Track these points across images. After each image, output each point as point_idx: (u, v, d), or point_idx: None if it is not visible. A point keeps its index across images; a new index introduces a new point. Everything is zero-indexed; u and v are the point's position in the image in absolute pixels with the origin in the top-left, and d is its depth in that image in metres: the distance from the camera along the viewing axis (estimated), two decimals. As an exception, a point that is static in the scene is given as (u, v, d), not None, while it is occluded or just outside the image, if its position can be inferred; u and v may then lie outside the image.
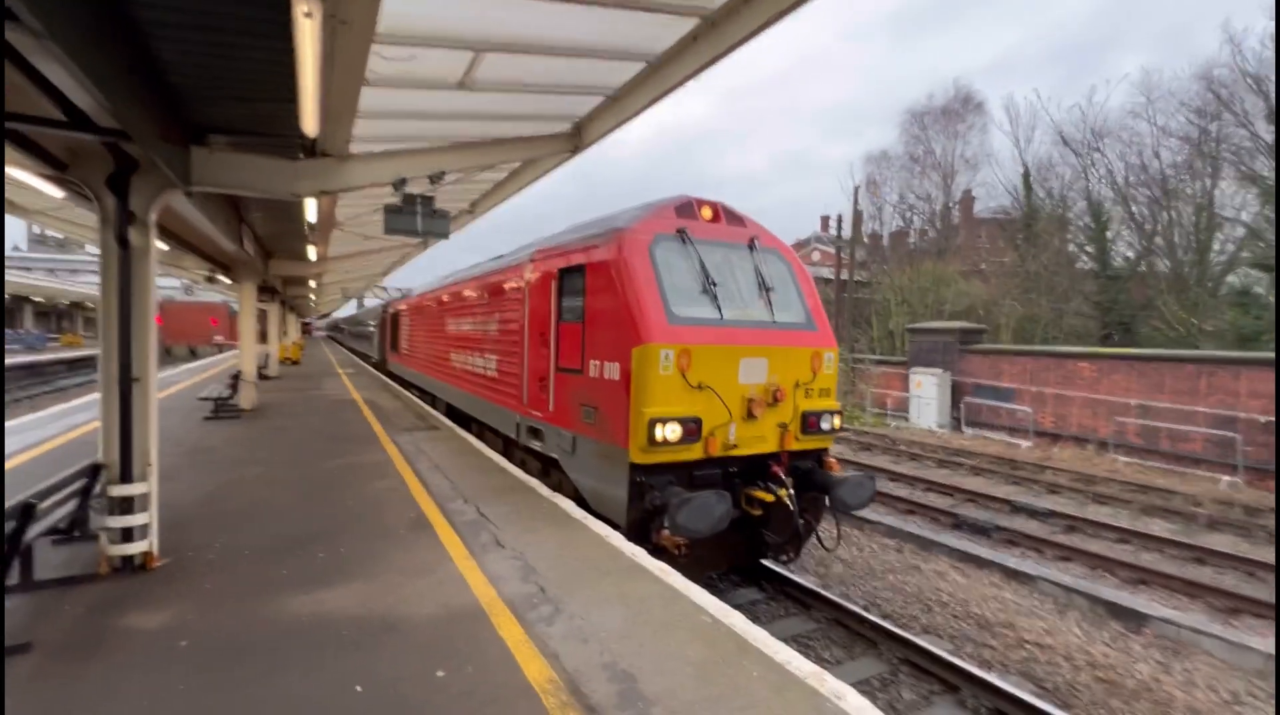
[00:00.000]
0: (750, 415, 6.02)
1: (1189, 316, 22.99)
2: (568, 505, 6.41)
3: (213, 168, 5.16)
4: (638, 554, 5.08)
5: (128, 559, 4.62)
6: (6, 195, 7.22)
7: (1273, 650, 6.19)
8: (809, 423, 6.41)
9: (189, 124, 4.93)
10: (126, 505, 4.56)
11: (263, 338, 26.47)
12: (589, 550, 5.16)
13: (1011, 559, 8.75)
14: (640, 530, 5.74)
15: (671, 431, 5.54)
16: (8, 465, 7.57)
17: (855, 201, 30.63)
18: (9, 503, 3.74)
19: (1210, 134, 25.57)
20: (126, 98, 3.52)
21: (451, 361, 12.21)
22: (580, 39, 4.88)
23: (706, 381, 5.77)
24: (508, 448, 9.21)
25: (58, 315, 62.26)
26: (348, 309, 54.32)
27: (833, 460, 6.81)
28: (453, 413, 12.79)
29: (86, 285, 54.21)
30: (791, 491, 6.01)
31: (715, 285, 6.25)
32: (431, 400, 15.02)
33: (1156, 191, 27.51)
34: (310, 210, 8.02)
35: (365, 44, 3.65)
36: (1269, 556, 9.31)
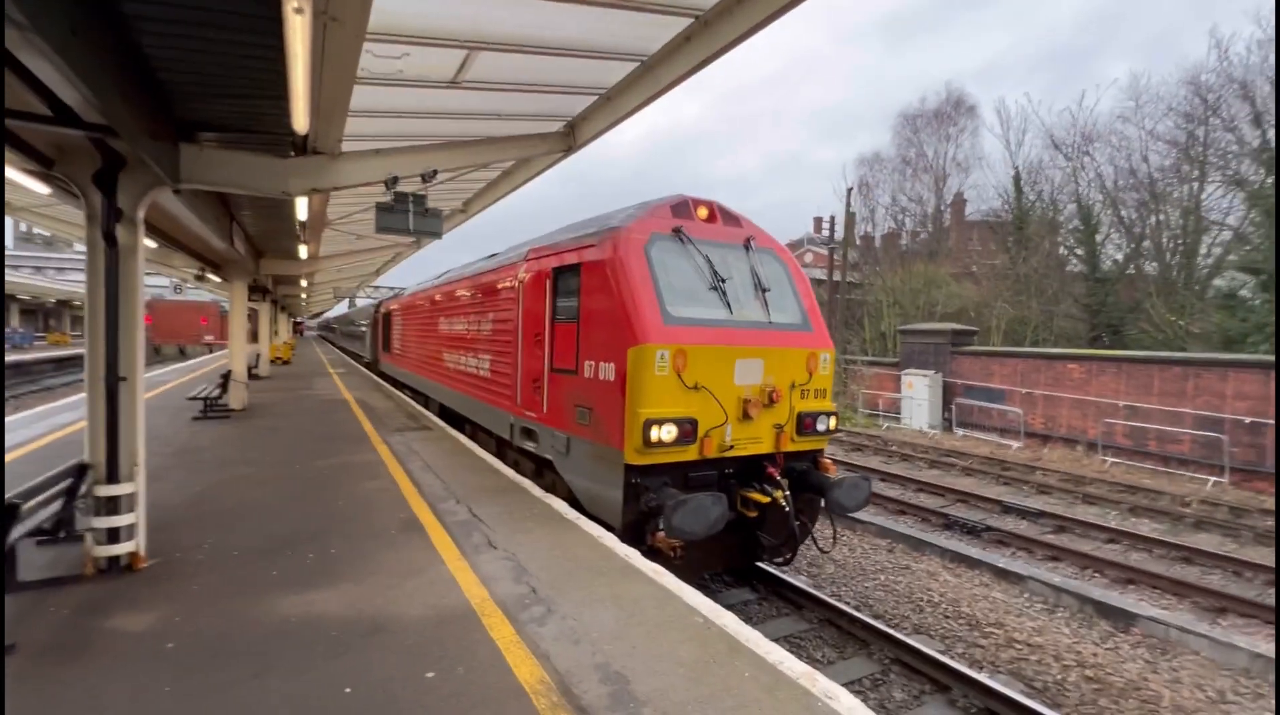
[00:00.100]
0: (746, 416, 6.00)
1: (1177, 319, 23.22)
2: (560, 506, 6.39)
3: (202, 165, 5.12)
4: (630, 555, 5.07)
5: (114, 560, 4.56)
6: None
7: (1273, 652, 6.26)
8: (805, 424, 6.40)
9: (178, 120, 4.88)
10: (113, 505, 4.50)
11: (253, 337, 26.29)
12: (581, 551, 5.14)
13: (1001, 559, 8.80)
14: (635, 532, 5.70)
15: (667, 432, 5.50)
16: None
17: (848, 203, 30.76)
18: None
19: (1197, 138, 25.87)
20: (114, 93, 3.48)
21: (444, 362, 12.15)
22: (573, 37, 4.87)
23: (702, 382, 5.74)
24: (501, 449, 9.17)
25: (44, 313, 61.55)
26: (340, 308, 53.99)
27: (828, 461, 6.80)
28: (445, 413, 12.73)
29: (74, 283, 53.65)
30: (787, 493, 5.99)
31: (712, 286, 6.23)
32: (424, 401, 14.95)
33: (1145, 195, 27.80)
34: (301, 209, 7.96)
35: (357, 41, 3.62)
36: (1255, 556, 9.42)
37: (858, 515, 9.89)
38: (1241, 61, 24.29)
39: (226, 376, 13.20)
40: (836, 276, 30.86)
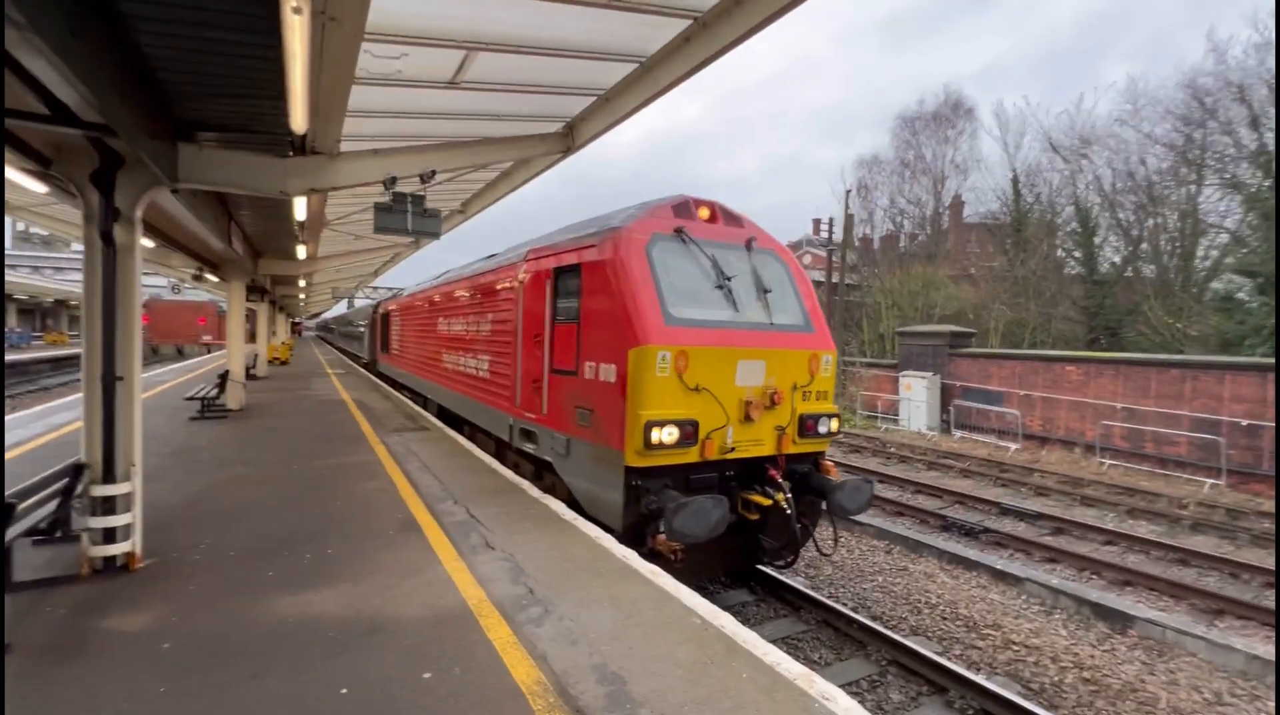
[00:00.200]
0: (747, 418, 5.96)
1: (1174, 321, 23.27)
2: (558, 506, 6.39)
3: (200, 165, 5.11)
4: (628, 555, 5.07)
5: (110, 560, 4.55)
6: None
7: (1270, 654, 6.27)
8: (806, 426, 6.36)
9: (176, 120, 4.88)
10: (109, 506, 4.49)
11: (251, 337, 26.28)
12: (579, 552, 5.14)
13: (999, 560, 8.81)
14: (635, 535, 5.66)
15: (668, 434, 5.46)
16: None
17: (846, 205, 30.80)
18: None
19: (1195, 142, 25.93)
20: (112, 93, 3.48)
21: (443, 362, 12.14)
22: (572, 38, 4.88)
23: (704, 384, 5.71)
24: (500, 450, 9.15)
25: (42, 313, 61.43)
26: (338, 309, 53.94)
27: (830, 464, 6.75)
28: (444, 414, 12.72)
29: (71, 283, 53.54)
30: (789, 495, 5.96)
31: (714, 287, 6.19)
32: (423, 402, 14.94)
33: (1143, 198, 27.88)
34: (299, 209, 7.96)
35: (355, 41, 3.62)
36: (1252, 558, 9.44)
37: (856, 517, 9.90)
38: (1239, 65, 24.41)
39: (224, 376, 13.19)
40: (835, 278, 30.90)
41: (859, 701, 3.35)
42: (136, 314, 4.69)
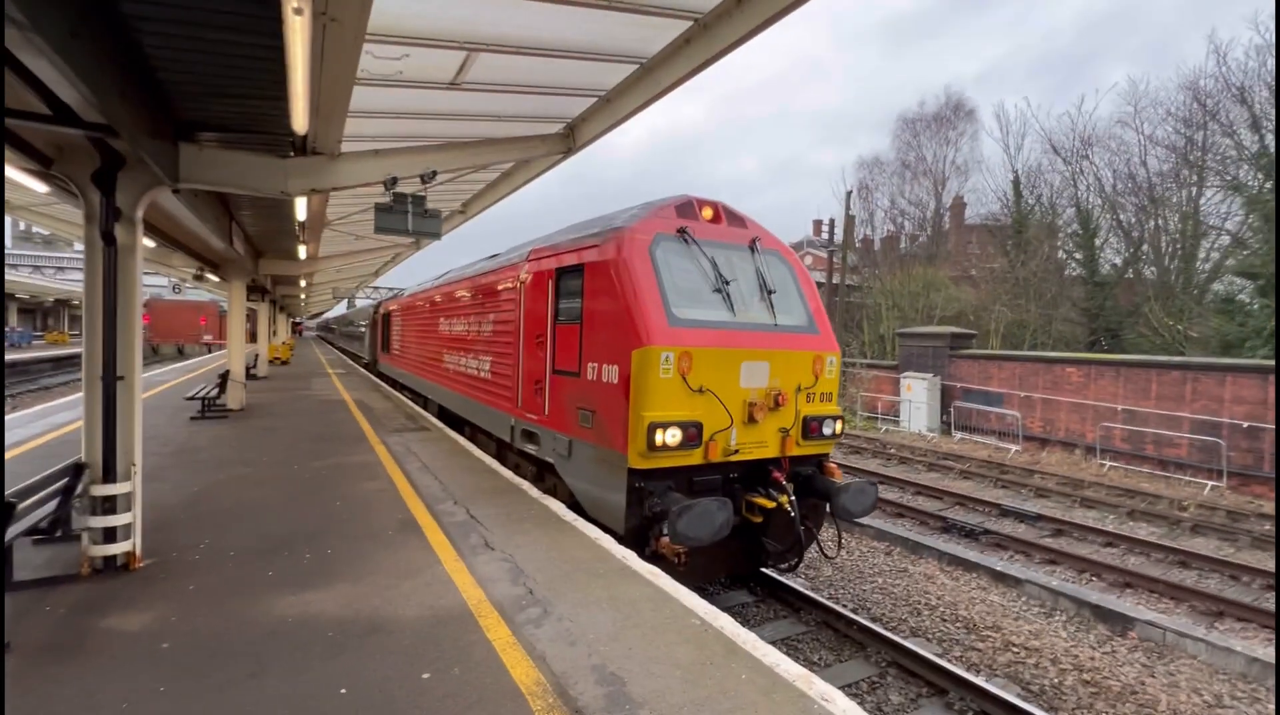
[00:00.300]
0: (751, 420, 5.92)
1: (1175, 323, 23.25)
2: (558, 507, 6.38)
3: (201, 165, 5.12)
4: (628, 556, 5.06)
5: (110, 560, 4.56)
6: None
7: (1270, 656, 6.26)
8: (810, 428, 6.32)
9: (178, 120, 4.89)
10: (109, 505, 4.50)
11: (252, 337, 26.29)
12: (579, 552, 5.14)
13: (999, 562, 8.80)
14: (638, 537, 5.63)
15: (672, 436, 5.42)
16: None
17: (847, 206, 30.80)
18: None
19: (1196, 143, 25.93)
20: (113, 93, 3.49)
21: (444, 363, 12.13)
22: (573, 40, 4.88)
23: (707, 385, 5.67)
24: (501, 451, 9.14)
25: (43, 312, 61.49)
26: (339, 309, 53.98)
27: (833, 466, 6.72)
28: (444, 415, 12.72)
29: (72, 283, 53.60)
30: (793, 498, 5.92)
31: (717, 287, 6.16)
32: (423, 402, 14.94)
33: (1144, 199, 27.86)
34: (300, 209, 7.97)
35: (356, 42, 3.63)
36: (1252, 560, 9.43)
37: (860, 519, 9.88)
38: (1240, 67, 24.40)
39: (225, 376, 13.20)
40: (836, 279, 30.89)
41: (858, 703, 3.35)
42: (137, 313, 4.70)
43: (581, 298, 6.42)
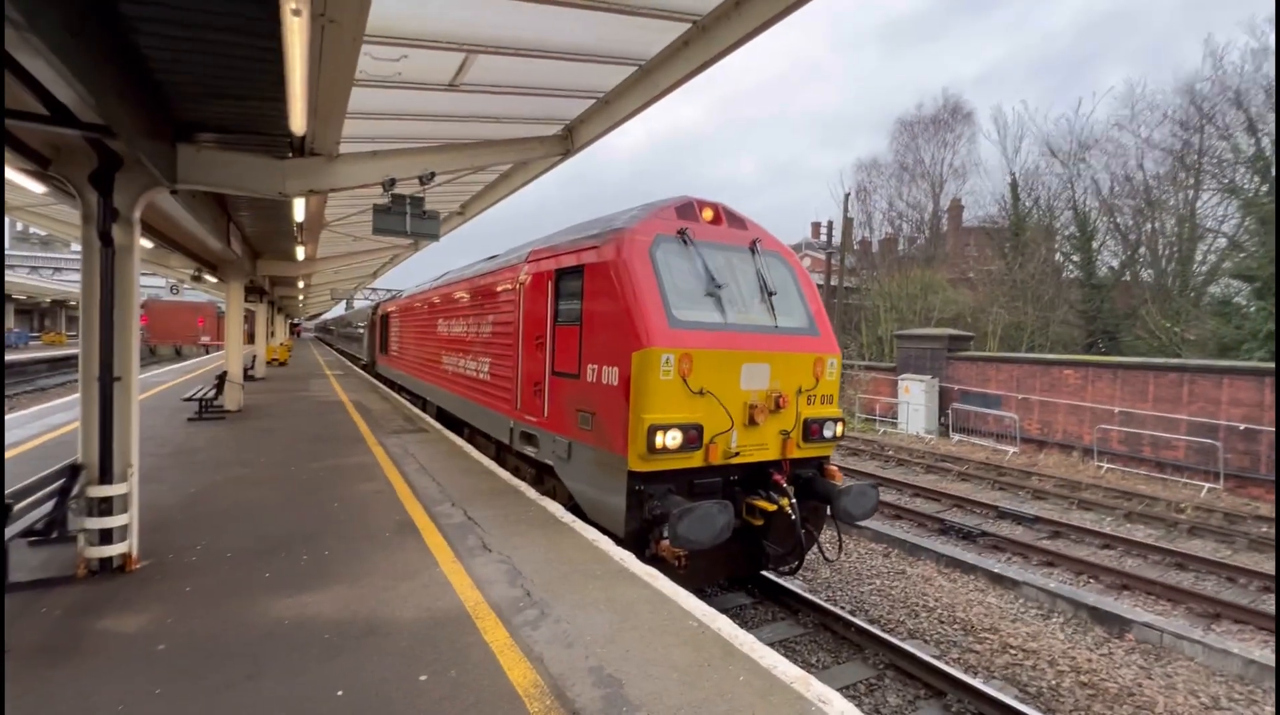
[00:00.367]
0: (752, 422, 5.88)
1: (1172, 325, 23.32)
2: (556, 509, 6.37)
3: (199, 166, 5.11)
4: (626, 558, 5.06)
5: (106, 561, 4.54)
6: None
7: (1267, 658, 6.27)
8: (811, 430, 6.29)
9: (176, 121, 4.88)
10: (106, 506, 4.48)
11: (250, 338, 26.25)
12: (577, 554, 5.13)
13: (997, 564, 8.81)
14: (638, 541, 5.60)
15: (672, 438, 5.39)
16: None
17: (845, 208, 30.88)
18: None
19: (1192, 146, 26.04)
20: (111, 93, 3.48)
21: (443, 364, 12.12)
22: (571, 42, 4.89)
23: (708, 387, 5.64)
24: (500, 453, 9.12)
25: (40, 313, 61.33)
26: (337, 310, 53.92)
27: (834, 468, 6.69)
28: (443, 417, 12.71)
29: (69, 283, 53.45)
30: (794, 501, 5.89)
31: (718, 288, 6.13)
32: (422, 404, 14.93)
33: (1141, 202, 27.97)
34: (298, 210, 7.97)
35: (355, 43, 3.63)
36: (1249, 562, 9.45)
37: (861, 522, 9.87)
38: (1236, 70, 24.52)
39: (222, 377, 13.18)
40: (834, 281, 30.94)
41: (856, 705, 3.35)
42: (134, 314, 4.69)
43: (581, 299, 6.39)
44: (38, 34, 2.58)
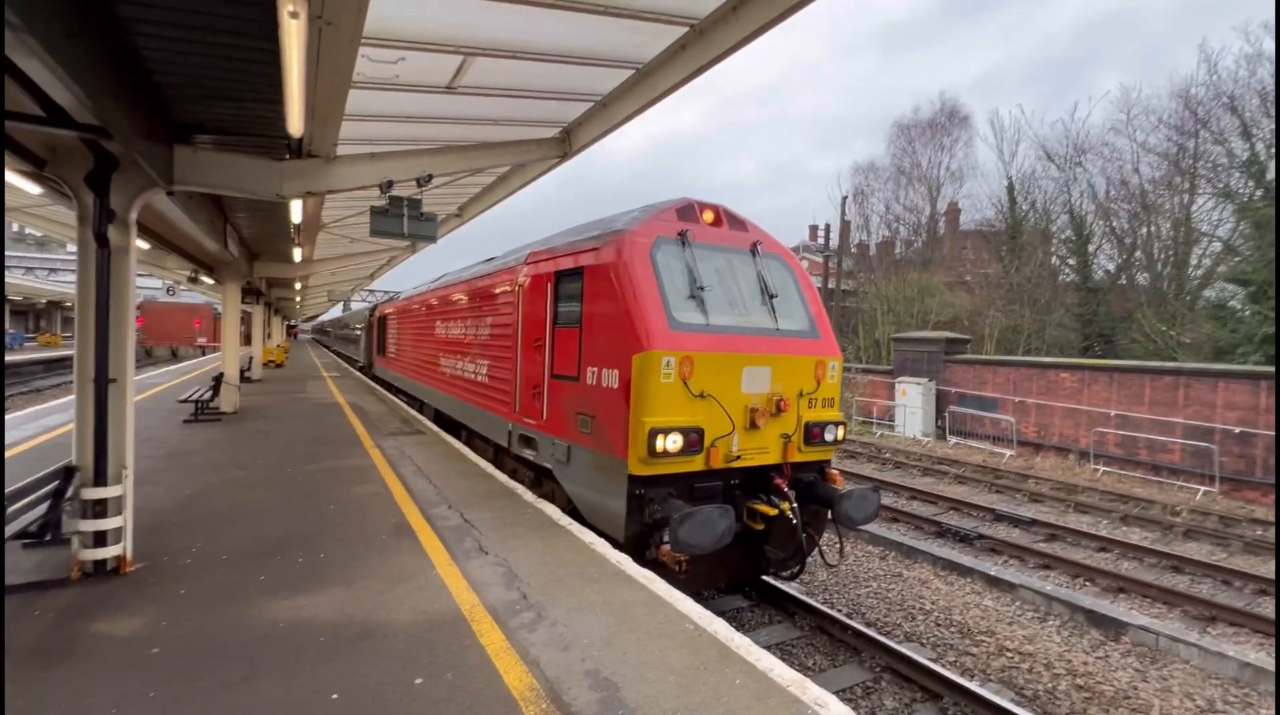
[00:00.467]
0: (753, 425, 5.85)
1: (1168, 329, 23.41)
2: (553, 511, 6.36)
3: (196, 167, 5.11)
4: (622, 561, 5.05)
5: (100, 563, 4.52)
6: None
7: (1265, 661, 6.28)
8: (812, 433, 6.26)
9: (172, 122, 4.88)
10: (100, 509, 4.46)
11: (246, 340, 26.17)
12: (573, 557, 5.12)
13: (993, 567, 8.81)
14: (638, 545, 5.55)
15: (673, 442, 5.36)
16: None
17: (843, 211, 30.95)
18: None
19: (1188, 151, 26.17)
20: (107, 94, 3.47)
21: (441, 366, 12.09)
22: (569, 45, 4.90)
23: (709, 390, 5.60)
24: (498, 456, 9.09)
25: (35, 314, 61.10)
26: (334, 312, 53.84)
27: (835, 472, 6.65)
28: (440, 420, 12.68)
29: (65, 284, 53.26)
30: (795, 505, 5.86)
31: (719, 291, 6.10)
32: (419, 406, 14.89)
33: (1136, 206, 28.09)
34: (295, 212, 7.96)
35: (352, 46, 3.63)
36: (1244, 565, 9.47)
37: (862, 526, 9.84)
38: (1230, 75, 24.66)
39: (218, 379, 13.14)
40: (831, 284, 31.00)
41: (852, 708, 3.34)
42: (130, 316, 4.67)
43: (581, 301, 6.36)
44: (34, 35, 2.57)
